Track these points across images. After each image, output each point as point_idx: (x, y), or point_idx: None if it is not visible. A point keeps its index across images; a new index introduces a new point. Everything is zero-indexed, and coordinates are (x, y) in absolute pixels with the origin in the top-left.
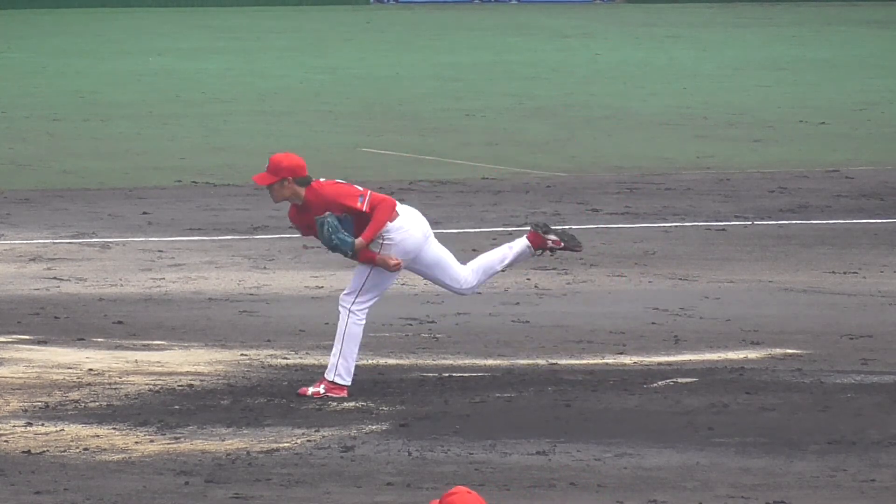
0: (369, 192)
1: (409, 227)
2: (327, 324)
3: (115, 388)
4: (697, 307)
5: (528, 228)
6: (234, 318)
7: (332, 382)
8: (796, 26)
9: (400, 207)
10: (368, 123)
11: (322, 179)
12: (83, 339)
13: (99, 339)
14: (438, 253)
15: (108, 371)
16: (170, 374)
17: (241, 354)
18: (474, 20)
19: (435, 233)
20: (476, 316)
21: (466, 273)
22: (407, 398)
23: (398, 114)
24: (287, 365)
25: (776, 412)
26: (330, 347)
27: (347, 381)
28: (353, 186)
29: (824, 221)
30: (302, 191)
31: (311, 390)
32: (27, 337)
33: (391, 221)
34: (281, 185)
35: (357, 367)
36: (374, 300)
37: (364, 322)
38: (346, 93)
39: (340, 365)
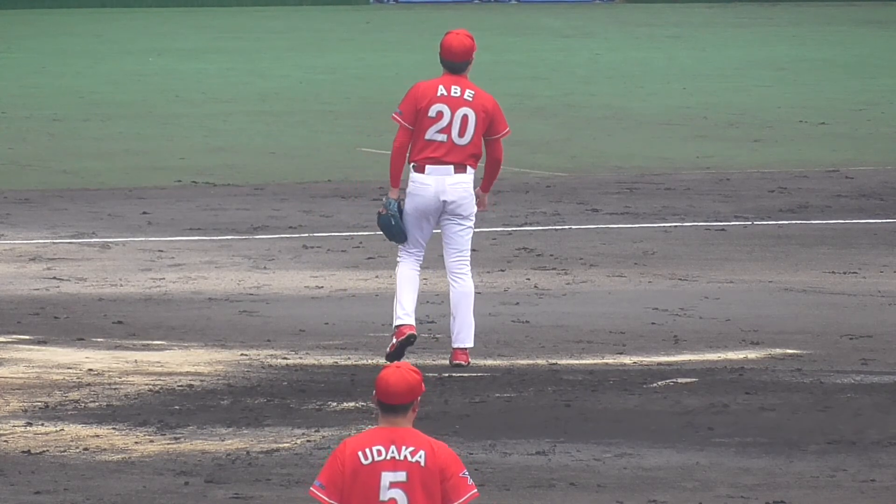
0: (400, 119)
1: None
2: (327, 324)
3: (114, 388)
4: (697, 307)
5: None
6: (234, 318)
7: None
8: (796, 26)
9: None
10: (368, 123)
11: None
12: (83, 339)
13: (99, 339)
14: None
15: (108, 371)
16: (169, 374)
17: (241, 354)
18: (474, 20)
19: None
20: (476, 316)
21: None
22: None
23: None
24: (287, 365)
25: (776, 412)
26: (330, 347)
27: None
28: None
29: (824, 221)
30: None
31: (467, 362)
32: (27, 337)
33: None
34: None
35: (356, 367)
36: (419, 251)
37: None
38: (346, 93)
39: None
